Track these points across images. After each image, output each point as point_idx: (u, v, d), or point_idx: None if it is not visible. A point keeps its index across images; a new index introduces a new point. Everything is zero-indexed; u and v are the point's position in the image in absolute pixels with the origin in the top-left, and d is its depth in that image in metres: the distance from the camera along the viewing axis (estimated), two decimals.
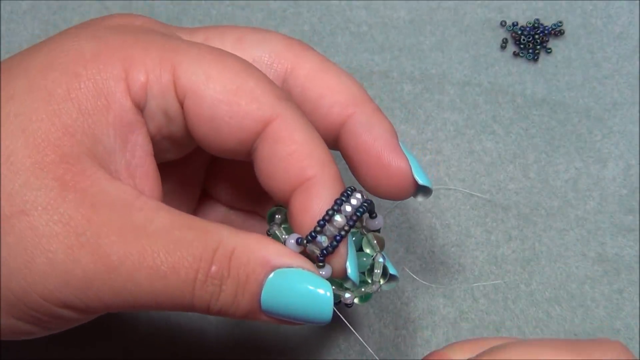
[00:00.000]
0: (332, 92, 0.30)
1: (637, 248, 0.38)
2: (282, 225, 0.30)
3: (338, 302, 0.29)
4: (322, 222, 0.27)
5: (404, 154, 0.30)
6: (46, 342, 0.34)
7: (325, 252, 0.27)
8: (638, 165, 0.39)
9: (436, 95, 0.40)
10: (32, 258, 0.25)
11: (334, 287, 0.28)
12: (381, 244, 0.30)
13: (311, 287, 0.27)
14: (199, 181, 0.34)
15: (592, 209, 0.38)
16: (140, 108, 0.28)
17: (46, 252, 0.25)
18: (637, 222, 0.38)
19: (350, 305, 0.29)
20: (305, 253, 0.28)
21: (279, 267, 0.27)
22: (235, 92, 0.27)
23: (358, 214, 0.27)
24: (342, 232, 0.27)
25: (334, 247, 0.27)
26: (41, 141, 0.26)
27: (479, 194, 0.39)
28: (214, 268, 0.26)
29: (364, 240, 0.30)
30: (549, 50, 0.41)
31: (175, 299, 0.26)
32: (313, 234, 0.27)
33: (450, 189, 0.39)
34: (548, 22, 0.41)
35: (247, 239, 0.27)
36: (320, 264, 0.27)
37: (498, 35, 0.42)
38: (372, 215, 0.29)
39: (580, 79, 0.41)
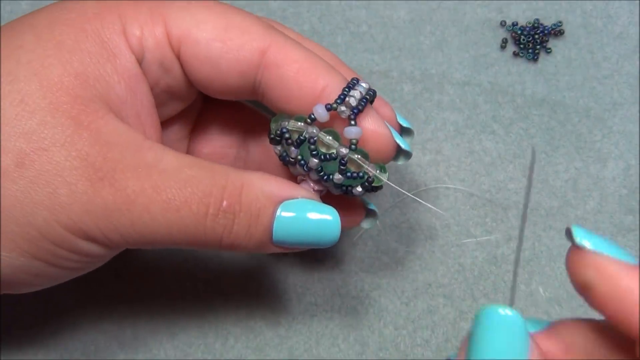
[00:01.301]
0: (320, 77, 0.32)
1: (637, 248, 0.38)
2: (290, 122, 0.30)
3: (369, 181, 0.30)
4: (346, 89, 0.28)
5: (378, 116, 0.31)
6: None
7: (356, 110, 0.28)
8: (638, 165, 0.39)
9: (436, 95, 0.40)
10: (54, 189, 0.26)
11: (357, 156, 0.29)
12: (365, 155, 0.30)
13: (318, 215, 0.28)
14: (186, 138, 0.35)
15: (592, 209, 0.38)
16: (139, 61, 0.29)
17: (68, 184, 0.26)
18: (637, 222, 0.38)
19: (371, 180, 0.29)
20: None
21: (285, 199, 0.29)
22: (225, 29, 0.29)
23: (371, 92, 0.29)
24: (367, 96, 0.29)
25: (364, 106, 0.29)
26: (54, 84, 0.27)
27: (478, 194, 0.39)
28: (225, 203, 0.28)
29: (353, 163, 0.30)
30: (548, 50, 0.41)
31: (189, 233, 0.27)
32: (342, 96, 0.28)
33: (455, 187, 0.39)
34: (548, 22, 0.41)
35: (252, 176, 0.29)
36: (352, 122, 0.28)
37: (498, 35, 0.42)
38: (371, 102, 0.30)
39: (580, 79, 0.41)
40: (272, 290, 0.38)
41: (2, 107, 0.26)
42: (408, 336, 0.37)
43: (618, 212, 0.38)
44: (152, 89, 0.30)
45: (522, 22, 0.42)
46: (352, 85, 0.29)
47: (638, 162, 0.39)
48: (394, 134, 0.30)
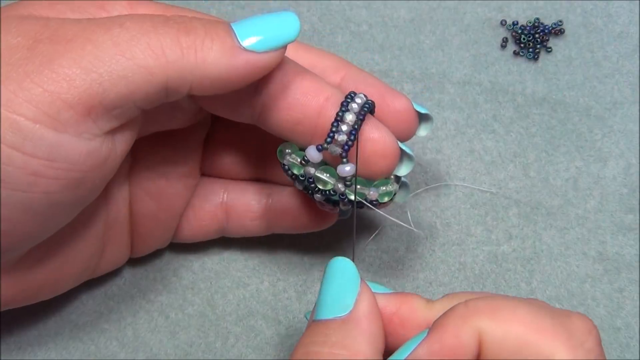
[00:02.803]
0: (321, 60, 0.33)
1: (638, 247, 0.37)
2: (292, 155, 0.31)
3: (366, 201, 0.31)
4: (335, 124, 0.29)
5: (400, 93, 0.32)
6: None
7: (347, 146, 0.29)
8: (638, 164, 0.39)
9: (436, 94, 0.40)
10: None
11: (360, 187, 0.30)
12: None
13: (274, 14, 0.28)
14: (197, 156, 0.35)
15: (592, 208, 0.38)
16: None
17: (7, 59, 0.25)
18: (638, 221, 0.38)
19: (376, 204, 0.31)
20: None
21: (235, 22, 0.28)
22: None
23: (366, 108, 0.29)
24: (356, 127, 0.29)
25: (353, 141, 0.29)
26: (17, 6, 0.29)
27: (482, 188, 0.39)
28: (172, 16, 0.27)
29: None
30: (549, 50, 0.41)
31: (139, 41, 0.26)
32: (331, 134, 0.29)
33: (457, 185, 0.39)
34: (548, 21, 0.41)
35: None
36: (344, 159, 0.29)
37: (498, 35, 0.42)
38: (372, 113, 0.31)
39: (581, 78, 0.41)
40: (273, 289, 0.38)
41: None
42: None
43: (618, 211, 0.38)
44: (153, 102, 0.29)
45: (522, 21, 0.42)
46: (341, 113, 0.29)
47: (638, 161, 0.39)
48: (397, 142, 0.30)
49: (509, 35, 0.41)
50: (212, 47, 0.26)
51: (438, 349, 0.25)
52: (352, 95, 0.29)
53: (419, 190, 0.39)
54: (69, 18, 0.27)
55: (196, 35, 0.26)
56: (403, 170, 0.31)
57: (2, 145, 0.25)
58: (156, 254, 0.38)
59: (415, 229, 0.35)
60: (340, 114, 0.29)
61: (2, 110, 0.25)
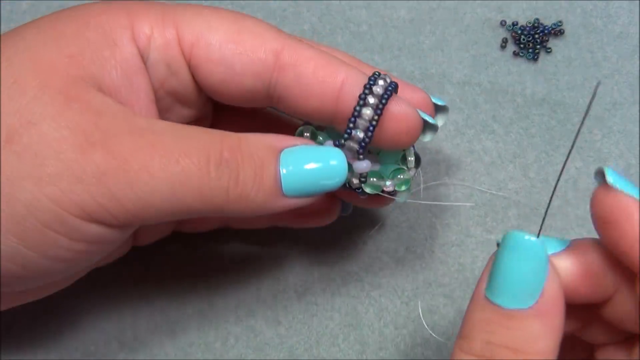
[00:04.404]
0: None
1: None
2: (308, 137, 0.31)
3: (381, 191, 0.31)
4: (353, 120, 0.28)
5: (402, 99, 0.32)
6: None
7: (363, 143, 0.29)
8: (638, 165, 0.39)
9: (436, 94, 0.40)
10: (42, 161, 0.25)
11: (374, 179, 0.30)
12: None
13: (322, 157, 0.28)
14: None
15: None
16: (144, 58, 0.29)
17: (56, 154, 0.25)
18: None
19: (393, 193, 0.31)
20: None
21: (286, 147, 0.28)
22: (238, 32, 0.29)
23: (386, 96, 0.29)
24: (374, 123, 0.28)
25: (370, 138, 0.29)
26: (47, 67, 0.26)
27: (482, 188, 0.39)
28: (225, 153, 0.27)
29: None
30: (548, 50, 0.41)
31: (193, 186, 0.26)
32: (348, 130, 0.29)
33: (457, 185, 0.39)
34: (548, 22, 0.41)
35: (247, 133, 0.28)
36: (361, 156, 0.29)
37: (498, 35, 0.42)
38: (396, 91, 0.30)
39: (580, 79, 0.41)
40: (272, 290, 0.38)
41: None
42: (408, 336, 0.37)
43: None
44: (156, 90, 0.30)
45: (522, 21, 0.42)
46: (364, 96, 0.29)
47: (638, 162, 0.39)
48: (418, 112, 0.30)
49: (508, 36, 0.41)
50: (257, 198, 0.28)
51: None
52: (374, 78, 0.29)
53: (419, 189, 0.39)
54: (115, 114, 0.27)
55: (244, 186, 0.27)
56: (427, 137, 0.31)
57: (48, 231, 0.26)
58: (156, 254, 0.38)
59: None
60: (357, 108, 0.29)
61: (49, 204, 0.25)
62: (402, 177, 0.31)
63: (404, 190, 0.32)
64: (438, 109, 0.33)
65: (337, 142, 0.29)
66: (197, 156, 0.26)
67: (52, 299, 0.34)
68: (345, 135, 0.29)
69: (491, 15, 0.42)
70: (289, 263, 0.38)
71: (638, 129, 0.39)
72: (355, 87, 0.29)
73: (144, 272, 0.38)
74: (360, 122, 0.29)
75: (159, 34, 0.29)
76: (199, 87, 0.30)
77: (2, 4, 0.43)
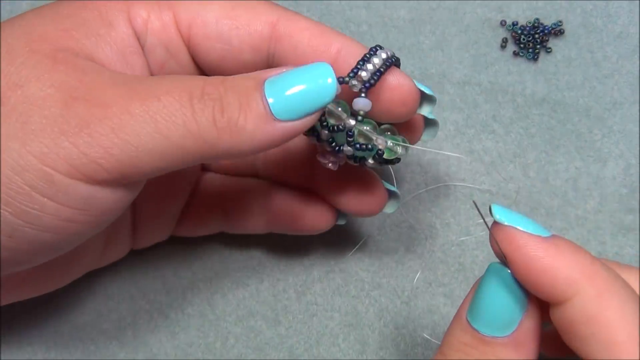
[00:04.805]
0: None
1: (637, 247, 0.37)
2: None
3: (376, 154, 0.29)
4: (361, 62, 0.29)
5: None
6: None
7: (367, 84, 0.28)
8: (638, 165, 0.39)
9: (436, 94, 0.40)
10: (26, 119, 0.25)
11: (368, 129, 0.29)
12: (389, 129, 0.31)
13: (309, 74, 0.27)
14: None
15: (592, 209, 0.38)
16: (141, 42, 0.29)
17: (41, 110, 0.25)
18: (637, 222, 0.38)
19: (381, 152, 0.29)
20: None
21: (270, 77, 0.27)
22: (232, 8, 0.29)
23: (391, 60, 0.29)
24: (387, 63, 0.28)
25: (376, 80, 0.28)
26: (39, 37, 0.27)
27: (482, 188, 0.39)
28: (207, 88, 0.26)
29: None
30: (548, 50, 0.41)
31: (178, 122, 0.25)
32: (355, 69, 0.28)
33: (457, 185, 0.39)
34: (548, 22, 0.41)
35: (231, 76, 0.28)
36: (363, 95, 0.29)
37: (498, 35, 0.42)
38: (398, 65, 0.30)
39: (580, 79, 0.41)
40: (272, 290, 0.38)
41: None
42: (408, 335, 0.37)
43: (618, 211, 0.38)
44: (155, 72, 0.30)
45: (522, 21, 0.42)
46: (368, 57, 0.29)
47: (638, 162, 0.39)
48: (416, 83, 0.30)
49: (508, 36, 0.41)
50: (247, 124, 0.26)
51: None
52: (374, 50, 0.29)
53: (420, 191, 0.39)
54: (101, 71, 0.27)
55: (231, 114, 0.26)
56: (425, 110, 0.31)
57: (34, 194, 0.25)
58: (156, 254, 0.38)
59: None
60: (368, 55, 0.29)
61: (35, 162, 0.25)
62: (393, 143, 0.29)
63: (391, 201, 0.32)
64: (425, 98, 0.32)
65: (340, 78, 0.28)
66: (179, 93, 0.26)
67: (52, 298, 0.34)
68: (351, 74, 0.29)
69: (491, 15, 0.42)
70: (289, 263, 0.38)
71: (638, 129, 0.39)
72: (351, 58, 0.29)
73: (144, 272, 0.38)
74: (369, 66, 0.29)
75: (155, 17, 0.29)
76: (199, 67, 0.31)
77: (2, 4, 0.43)
